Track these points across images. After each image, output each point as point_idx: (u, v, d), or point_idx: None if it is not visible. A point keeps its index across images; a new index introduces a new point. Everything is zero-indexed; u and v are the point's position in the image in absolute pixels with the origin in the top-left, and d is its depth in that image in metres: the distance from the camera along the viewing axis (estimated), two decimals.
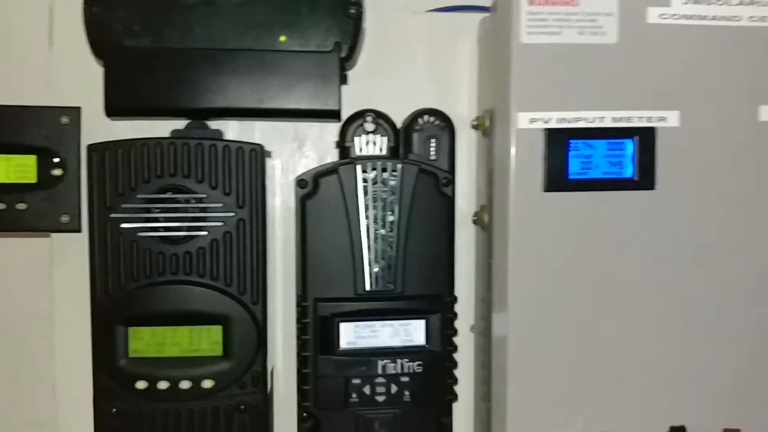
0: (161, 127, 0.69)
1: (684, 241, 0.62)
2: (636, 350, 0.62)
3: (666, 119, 0.61)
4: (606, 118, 0.60)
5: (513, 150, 0.60)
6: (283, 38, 0.68)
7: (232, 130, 0.73)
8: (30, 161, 0.69)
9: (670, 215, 0.61)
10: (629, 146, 0.61)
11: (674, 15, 0.60)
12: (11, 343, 0.79)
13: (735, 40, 0.61)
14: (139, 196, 0.63)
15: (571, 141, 0.60)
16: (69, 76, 0.71)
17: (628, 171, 0.61)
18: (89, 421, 0.67)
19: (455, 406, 0.70)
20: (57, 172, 0.69)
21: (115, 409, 0.64)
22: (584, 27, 0.60)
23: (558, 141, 0.60)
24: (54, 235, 0.72)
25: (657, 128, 0.61)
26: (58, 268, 0.72)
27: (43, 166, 0.69)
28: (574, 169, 0.60)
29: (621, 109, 0.61)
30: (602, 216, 0.61)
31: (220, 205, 0.64)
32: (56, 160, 0.69)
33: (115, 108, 0.67)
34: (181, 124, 0.69)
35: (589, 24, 0.60)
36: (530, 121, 0.60)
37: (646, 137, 0.61)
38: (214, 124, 0.70)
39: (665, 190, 0.61)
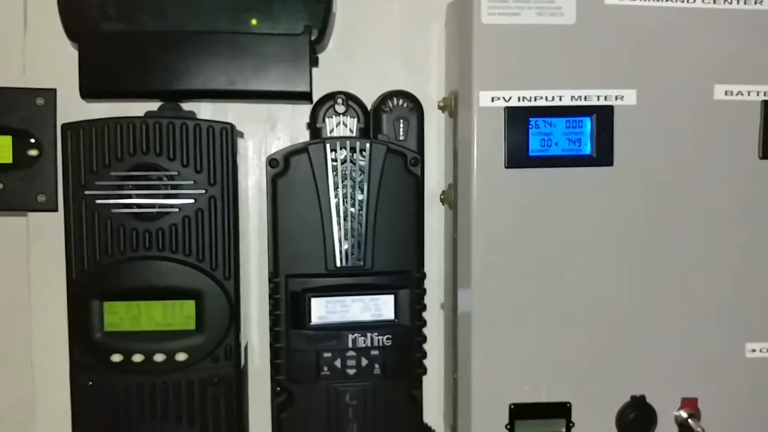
0: (135, 109, 0.70)
1: (641, 217, 0.65)
2: (597, 322, 0.65)
3: (623, 98, 0.64)
4: (565, 97, 0.63)
5: (475, 128, 0.63)
6: (254, 21, 0.70)
7: (206, 111, 0.74)
8: (5, 142, 0.70)
9: (628, 191, 0.64)
10: (587, 124, 0.63)
11: None
12: None
13: (690, 22, 0.64)
14: (113, 173, 0.65)
15: (531, 119, 0.63)
16: (44, 58, 0.73)
17: (587, 148, 0.64)
18: (67, 396, 0.68)
19: (426, 379, 0.72)
20: (33, 152, 0.71)
21: (91, 382, 0.66)
22: (543, 8, 0.62)
23: (518, 119, 0.63)
24: (30, 214, 0.74)
25: (614, 106, 0.64)
26: (34, 248, 0.74)
27: (19, 147, 0.70)
28: (534, 146, 0.63)
29: (579, 88, 0.63)
30: (562, 192, 0.64)
31: (191, 182, 0.65)
32: (32, 140, 0.71)
33: (90, 90, 0.69)
34: (154, 105, 0.71)
35: (548, 5, 0.62)
36: (491, 100, 0.62)
37: (603, 115, 0.63)
38: (187, 106, 0.72)
39: (623, 166, 0.64)
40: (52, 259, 0.73)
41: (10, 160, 0.70)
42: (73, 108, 0.71)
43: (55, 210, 0.71)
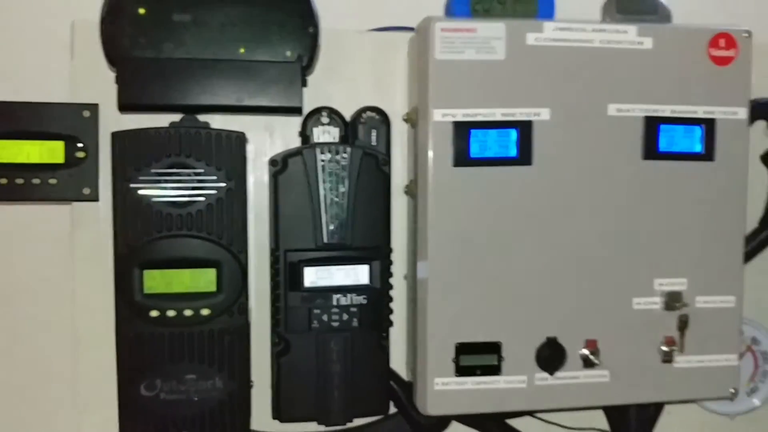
0: (161, 120, 0.83)
1: (553, 202, 0.82)
2: (521, 281, 0.82)
3: (539, 114, 0.80)
4: (496, 114, 0.80)
5: (430, 136, 0.80)
6: (257, 51, 0.82)
7: (217, 122, 0.86)
8: (59, 146, 0.83)
9: (543, 184, 0.81)
10: (513, 134, 0.80)
11: (546, 38, 0.80)
12: (33, 296, 0.96)
13: (590, 56, 0.81)
14: (153, 170, 0.80)
15: (471, 130, 0.79)
16: (88, 79, 0.86)
17: (513, 152, 0.80)
18: (105, 350, 0.84)
19: (393, 335, 0.88)
20: (80, 154, 0.84)
21: (132, 334, 0.81)
22: (481, 47, 0.79)
23: (463, 130, 0.79)
24: (74, 204, 0.87)
25: (533, 121, 0.80)
26: (78, 231, 0.88)
27: (69, 150, 0.83)
28: (474, 150, 0.80)
29: (507, 107, 0.80)
30: (495, 185, 0.80)
31: (214, 177, 0.81)
32: (80, 145, 0.84)
33: (126, 105, 0.82)
34: (177, 117, 0.84)
35: (484, 45, 0.79)
36: (443, 116, 0.79)
37: (525, 128, 0.80)
38: (202, 118, 0.85)
39: (539, 166, 0.80)
40: (92, 240, 0.87)
41: (62, 161, 0.83)
42: (112, 119, 0.84)
43: (97, 200, 0.85)
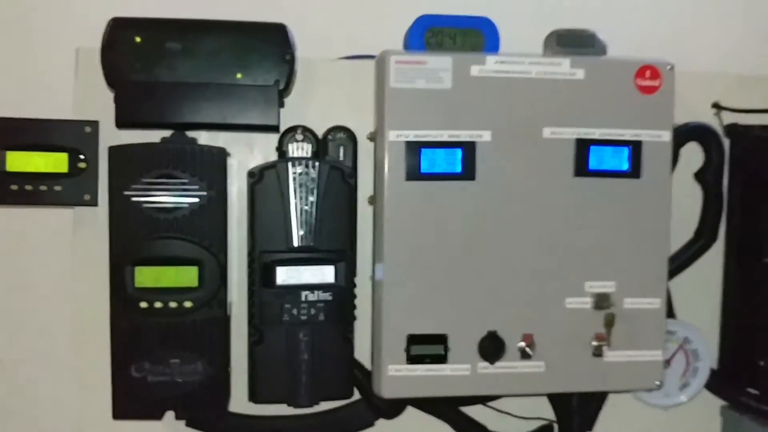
0: (154, 135, 0.92)
1: (494, 213, 0.91)
2: (467, 282, 0.91)
3: (482, 136, 0.89)
4: (444, 135, 0.89)
5: (386, 154, 0.89)
6: (239, 75, 0.91)
7: (203, 138, 0.95)
8: (63, 157, 0.93)
9: (485, 197, 0.90)
10: (459, 153, 0.89)
11: (488, 70, 0.90)
12: (38, 288, 1.07)
13: (527, 86, 0.90)
14: (144, 180, 0.90)
15: (422, 149, 0.88)
16: (90, 99, 0.96)
17: (458, 168, 0.89)
18: (101, 339, 0.94)
19: (360, 331, 0.97)
20: (82, 165, 0.93)
21: (125, 323, 0.91)
22: (430, 77, 0.89)
23: (414, 149, 0.88)
24: (76, 208, 0.98)
25: (476, 142, 0.89)
26: (79, 232, 0.99)
27: (73, 161, 0.93)
28: (425, 167, 0.89)
29: (453, 130, 0.89)
30: (442, 197, 0.89)
31: (197, 187, 0.91)
32: (82, 156, 0.93)
33: (123, 122, 0.91)
34: (167, 133, 0.92)
35: (433, 76, 0.89)
36: (397, 136, 0.90)
37: (469, 147, 0.89)
38: (191, 134, 0.93)
39: (482, 181, 0.89)
40: (91, 240, 0.97)
41: (66, 170, 0.92)
42: (110, 134, 0.94)
43: (96, 205, 0.95)
